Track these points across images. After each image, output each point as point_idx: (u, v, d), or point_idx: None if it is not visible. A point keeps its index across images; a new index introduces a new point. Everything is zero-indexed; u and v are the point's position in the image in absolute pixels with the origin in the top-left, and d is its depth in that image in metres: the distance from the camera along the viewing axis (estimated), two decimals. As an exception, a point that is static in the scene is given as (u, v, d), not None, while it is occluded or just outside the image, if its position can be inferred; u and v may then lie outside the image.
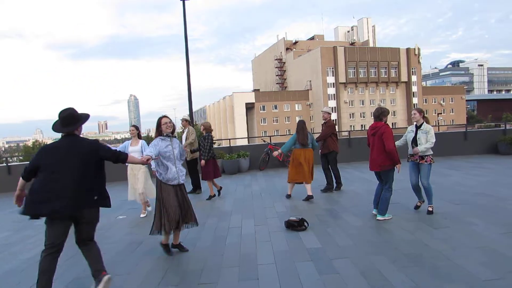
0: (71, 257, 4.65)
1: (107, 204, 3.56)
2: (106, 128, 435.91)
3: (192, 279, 3.82)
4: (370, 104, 72.04)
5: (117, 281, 3.90)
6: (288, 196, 7.66)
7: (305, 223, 5.41)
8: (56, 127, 3.47)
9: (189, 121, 8.84)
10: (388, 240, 4.65)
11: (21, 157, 41.42)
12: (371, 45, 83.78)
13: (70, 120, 3.43)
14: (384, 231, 5.01)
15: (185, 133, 8.73)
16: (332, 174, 8.12)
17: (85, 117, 3.58)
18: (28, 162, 3.34)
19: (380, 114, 5.67)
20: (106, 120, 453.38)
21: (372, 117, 5.88)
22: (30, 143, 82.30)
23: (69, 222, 3.36)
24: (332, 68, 68.94)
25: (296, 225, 5.33)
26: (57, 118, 3.48)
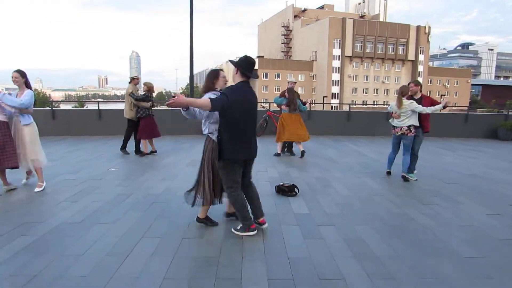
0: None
1: None
2: (106, 83, 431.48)
3: (176, 232, 3.84)
4: (374, 80, 71.18)
5: (101, 229, 3.92)
6: (278, 155, 8.57)
7: (296, 189, 5.42)
8: (248, 70, 3.71)
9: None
10: (375, 212, 4.67)
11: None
12: (381, 19, 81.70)
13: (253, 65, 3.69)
14: (372, 203, 5.02)
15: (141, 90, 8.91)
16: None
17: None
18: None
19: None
20: (106, 75, 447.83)
21: (419, 88, 6.39)
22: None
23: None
24: (339, 40, 67.50)
25: (286, 191, 5.34)
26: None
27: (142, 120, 8.34)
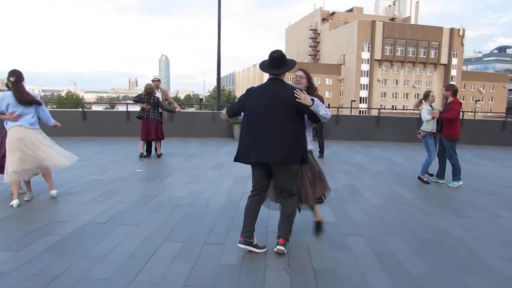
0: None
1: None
2: (136, 86, 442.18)
3: (199, 238, 3.76)
4: (404, 84, 69.52)
5: (125, 231, 3.90)
6: None
7: (323, 196, 5.23)
8: (263, 67, 3.44)
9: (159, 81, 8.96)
10: (407, 222, 4.44)
11: (54, 106, 42.74)
12: (412, 22, 79.73)
13: (279, 62, 3.35)
14: (404, 213, 4.79)
15: (158, 93, 8.67)
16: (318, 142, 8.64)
17: (292, 63, 3.46)
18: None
19: (457, 90, 6.37)
20: (136, 78, 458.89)
21: (451, 94, 6.25)
22: (63, 93, 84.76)
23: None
24: (368, 44, 66.36)
25: (312, 197, 5.17)
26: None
27: (141, 120, 8.33)
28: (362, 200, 5.36)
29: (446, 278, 3.06)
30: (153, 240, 3.68)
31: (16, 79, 4.65)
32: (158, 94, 8.56)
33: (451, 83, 7.99)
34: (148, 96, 8.20)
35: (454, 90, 6.24)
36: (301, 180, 3.63)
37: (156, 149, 8.52)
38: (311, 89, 3.74)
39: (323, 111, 3.31)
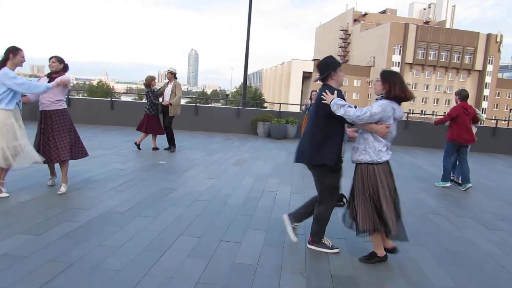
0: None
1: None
2: (165, 78, 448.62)
3: (216, 234, 3.70)
4: (435, 89, 67.54)
5: (142, 222, 3.89)
6: None
7: (344, 199, 5.08)
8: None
9: (175, 74, 8.35)
10: (432, 232, 4.24)
11: (85, 94, 44.01)
12: (447, 26, 77.33)
13: (318, 69, 3.39)
14: (429, 223, 4.58)
15: (170, 86, 8.27)
16: None
17: (320, 65, 3.36)
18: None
19: (467, 95, 6.45)
20: (165, 71, 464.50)
21: (460, 98, 6.40)
22: (95, 82, 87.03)
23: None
24: (400, 46, 64.79)
25: (333, 200, 5.03)
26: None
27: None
28: (386, 206, 5.16)
29: (472, 294, 2.89)
30: (169, 234, 3.64)
31: None
32: (170, 87, 8.26)
33: (462, 88, 7.72)
34: (145, 89, 8.38)
35: (462, 96, 6.38)
36: (352, 196, 3.29)
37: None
38: (390, 92, 3.08)
39: (341, 111, 3.04)
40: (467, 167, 6.47)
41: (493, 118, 53.64)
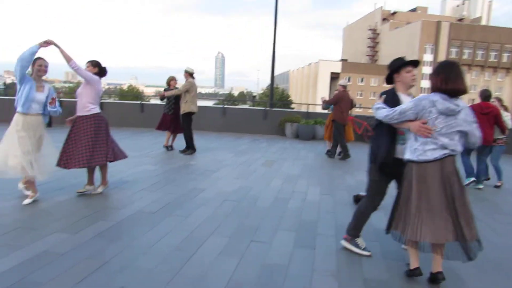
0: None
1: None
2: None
3: (245, 235, 3.69)
4: (471, 89, 65.11)
5: (173, 222, 3.93)
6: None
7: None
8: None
9: (191, 74, 8.17)
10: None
11: (116, 98, 45.29)
12: (483, 23, 74.44)
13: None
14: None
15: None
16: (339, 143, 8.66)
17: (391, 65, 3.36)
18: None
19: (489, 95, 6.32)
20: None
21: (480, 98, 6.36)
22: (125, 87, 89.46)
23: None
24: (432, 45, 62.90)
25: (365, 201, 4.92)
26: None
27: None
28: (420, 208, 5.00)
29: (516, 302, 2.74)
30: (200, 233, 3.67)
31: None
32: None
33: (485, 88, 7.38)
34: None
35: (484, 95, 6.30)
36: (401, 200, 2.99)
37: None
38: (432, 84, 2.89)
39: (377, 115, 3.11)
40: (484, 167, 6.41)
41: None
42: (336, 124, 8.50)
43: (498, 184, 6.58)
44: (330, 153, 8.76)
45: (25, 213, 3.98)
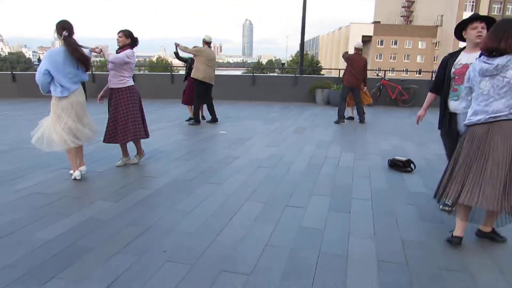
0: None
1: None
2: (221, 51, 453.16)
3: (281, 200, 3.74)
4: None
5: (209, 188, 4.03)
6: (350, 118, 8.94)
7: (412, 165, 4.88)
8: None
9: (207, 43, 7.89)
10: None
11: (146, 71, 45.85)
12: (529, -27, 68.60)
13: None
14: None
15: None
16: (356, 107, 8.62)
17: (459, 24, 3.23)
18: None
19: None
20: (221, 43, 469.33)
21: None
22: (154, 59, 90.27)
23: None
24: (473, 2, 58.96)
25: (401, 165, 4.84)
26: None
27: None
28: (458, 171, 4.87)
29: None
30: (236, 199, 3.75)
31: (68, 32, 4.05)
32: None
33: None
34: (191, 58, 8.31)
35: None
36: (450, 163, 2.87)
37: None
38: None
39: None
40: None
41: None
42: (343, 86, 8.52)
43: None
44: (362, 118, 8.58)
45: (68, 183, 4.19)
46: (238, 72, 37.40)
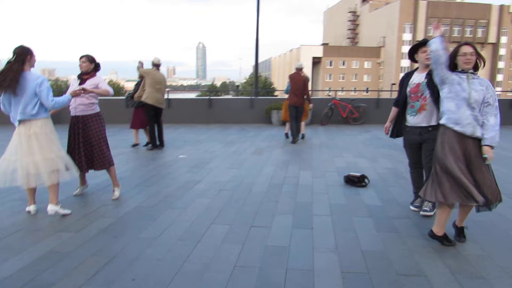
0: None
1: None
2: (174, 74, 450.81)
3: (245, 221, 3.83)
4: (449, 65, 66.06)
5: (173, 214, 4.04)
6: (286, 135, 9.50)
7: (366, 180, 5.17)
8: None
9: (156, 65, 7.87)
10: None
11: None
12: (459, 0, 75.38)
13: None
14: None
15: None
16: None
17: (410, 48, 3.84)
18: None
19: None
20: (174, 66, 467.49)
21: None
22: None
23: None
24: (411, 25, 63.51)
25: (356, 181, 5.11)
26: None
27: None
28: (407, 183, 5.20)
29: (499, 259, 2.95)
30: (201, 223, 3.78)
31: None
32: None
33: (498, 63, 7.32)
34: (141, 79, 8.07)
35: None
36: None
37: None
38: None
39: None
40: None
41: (509, 90, 52.32)
42: (289, 106, 8.68)
43: None
44: (295, 138, 8.70)
45: (22, 215, 4.01)
46: (192, 95, 37.24)
